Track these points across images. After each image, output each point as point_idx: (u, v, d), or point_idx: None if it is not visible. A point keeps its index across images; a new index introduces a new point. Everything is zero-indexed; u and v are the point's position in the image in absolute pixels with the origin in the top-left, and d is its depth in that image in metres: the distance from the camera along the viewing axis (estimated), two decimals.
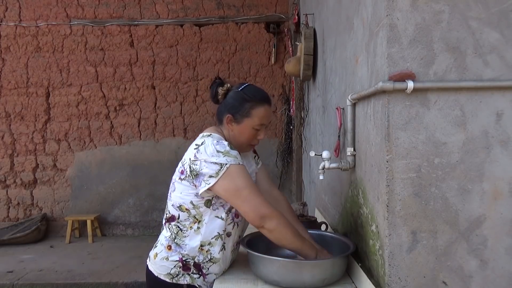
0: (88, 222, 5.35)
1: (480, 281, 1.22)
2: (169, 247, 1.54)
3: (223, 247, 1.55)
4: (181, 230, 1.53)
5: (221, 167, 1.42)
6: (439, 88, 1.19)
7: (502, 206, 1.21)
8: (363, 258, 1.51)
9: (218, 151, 1.44)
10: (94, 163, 5.67)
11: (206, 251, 1.52)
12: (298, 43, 3.24)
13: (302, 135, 4.00)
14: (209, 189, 1.45)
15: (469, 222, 1.21)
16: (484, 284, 1.22)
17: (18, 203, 5.70)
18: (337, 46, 2.03)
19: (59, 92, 5.61)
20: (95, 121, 5.64)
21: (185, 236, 1.53)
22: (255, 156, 1.78)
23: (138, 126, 5.62)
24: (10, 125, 5.64)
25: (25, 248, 5.13)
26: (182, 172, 1.51)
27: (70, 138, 5.66)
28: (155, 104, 5.62)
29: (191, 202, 1.50)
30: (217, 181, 1.43)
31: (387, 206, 1.22)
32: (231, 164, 1.43)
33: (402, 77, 1.18)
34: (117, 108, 5.62)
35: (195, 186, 1.47)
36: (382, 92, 1.22)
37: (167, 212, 1.58)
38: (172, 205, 1.55)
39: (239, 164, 1.45)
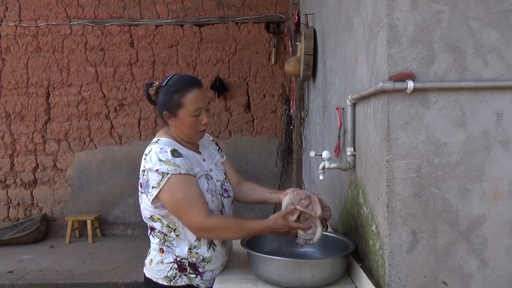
0: (88, 222, 5.34)
1: (480, 281, 1.22)
2: (162, 250, 1.55)
3: (211, 245, 1.55)
4: (165, 234, 1.54)
5: (162, 177, 1.44)
6: (439, 88, 1.19)
7: (502, 206, 1.21)
8: (363, 258, 1.51)
9: (160, 160, 1.45)
10: (94, 163, 5.66)
11: (196, 253, 1.53)
12: (298, 43, 3.24)
13: (302, 135, 4.00)
14: (157, 199, 1.47)
15: (469, 222, 1.21)
16: (484, 284, 1.22)
17: (18, 203, 5.69)
18: (337, 46, 2.03)
19: (59, 92, 5.60)
20: (95, 121, 5.63)
21: (171, 241, 1.54)
22: (218, 149, 1.81)
23: (138, 126, 5.62)
24: (10, 125, 5.63)
25: (25, 248, 5.12)
26: (140, 185, 1.53)
27: (70, 138, 5.65)
28: None
29: (157, 213, 1.52)
30: (159, 192, 1.45)
31: (387, 206, 1.22)
32: (172, 174, 1.44)
33: (402, 77, 1.18)
34: (117, 108, 5.62)
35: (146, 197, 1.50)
36: (382, 92, 1.22)
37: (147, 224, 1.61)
38: (144, 217, 1.57)
39: (181, 173, 1.45)
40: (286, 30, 5.34)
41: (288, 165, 5.48)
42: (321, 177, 1.63)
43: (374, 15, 1.31)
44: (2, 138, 5.64)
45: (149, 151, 1.50)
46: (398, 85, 1.17)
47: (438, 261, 1.22)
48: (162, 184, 1.44)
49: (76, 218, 5.46)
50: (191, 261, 1.53)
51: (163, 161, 1.45)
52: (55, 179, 5.69)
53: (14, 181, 5.68)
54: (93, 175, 5.66)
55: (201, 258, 1.53)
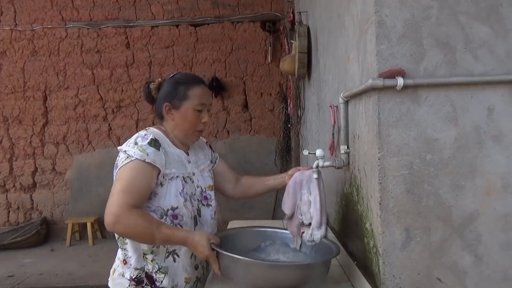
0: (88, 225, 5.35)
1: (475, 277, 1.21)
2: (125, 261, 1.47)
3: (171, 254, 1.45)
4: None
5: (126, 158, 1.37)
6: (429, 84, 1.18)
7: (495, 201, 1.20)
8: (358, 256, 1.51)
9: (135, 143, 1.39)
10: (93, 165, 5.66)
11: (152, 261, 1.43)
12: (293, 41, 3.23)
13: (300, 133, 4.00)
14: None
15: (462, 218, 1.21)
16: (478, 279, 1.21)
17: (18, 207, 5.69)
18: (330, 44, 2.02)
19: (56, 95, 5.60)
20: (93, 123, 5.63)
21: (125, 243, 1.45)
22: (211, 153, 1.72)
23: (136, 127, 5.61)
24: (8, 129, 5.64)
25: (25, 252, 5.13)
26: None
27: (68, 141, 5.66)
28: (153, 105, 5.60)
29: None
30: (117, 172, 1.38)
31: (380, 203, 1.21)
32: (136, 158, 1.35)
33: (392, 74, 1.17)
34: (115, 110, 5.62)
35: None
36: (373, 89, 1.21)
37: None
38: None
39: (145, 161, 1.36)
40: (282, 28, 5.33)
41: (287, 164, 5.48)
42: (315, 176, 1.62)
43: (363, 12, 1.31)
44: (1, 142, 5.64)
45: (134, 136, 1.45)
46: (388, 82, 1.17)
47: (432, 258, 1.22)
48: (124, 163, 1.37)
49: (76, 220, 5.46)
50: (147, 270, 1.44)
51: (137, 145, 1.38)
52: (54, 182, 5.69)
53: (14, 185, 5.69)
54: (92, 177, 5.66)
55: (157, 268, 1.43)
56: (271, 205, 5.36)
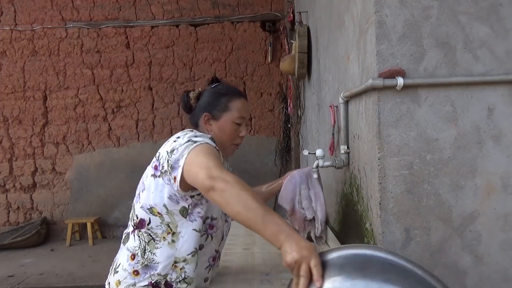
0: (88, 225, 5.35)
1: (475, 277, 1.21)
2: (136, 272, 1.34)
3: (197, 264, 1.37)
4: (153, 239, 1.33)
5: (193, 143, 1.26)
6: (429, 84, 1.18)
7: (495, 201, 1.20)
8: None
9: (196, 136, 1.30)
10: (93, 165, 5.67)
11: (181, 269, 1.34)
12: (293, 41, 3.23)
13: (300, 133, 3.99)
14: (182, 175, 1.23)
15: (462, 218, 1.21)
16: (478, 280, 1.21)
17: (18, 207, 5.70)
18: (330, 44, 2.02)
19: (56, 95, 5.61)
20: (93, 123, 5.63)
21: (157, 248, 1.33)
22: (228, 165, 1.65)
23: (136, 127, 5.62)
24: (8, 129, 5.64)
25: (25, 252, 5.13)
26: (156, 168, 1.32)
27: (68, 141, 5.66)
28: (153, 105, 5.61)
29: (165, 206, 1.31)
30: (187, 157, 1.22)
31: (380, 203, 1.21)
32: (206, 142, 1.27)
33: (392, 74, 1.17)
34: (115, 110, 5.62)
35: (174, 179, 1.26)
36: (373, 89, 1.21)
37: (134, 218, 1.37)
38: (141, 207, 1.35)
39: (215, 147, 1.28)
40: (282, 28, 5.33)
41: (287, 164, 5.48)
42: (315, 176, 1.63)
43: (364, 12, 1.31)
44: (1, 142, 5.65)
45: (184, 134, 1.34)
46: (388, 82, 1.17)
47: (432, 258, 1.22)
48: (191, 147, 1.24)
49: (76, 221, 5.47)
50: (169, 279, 1.34)
51: (198, 137, 1.30)
52: (54, 183, 5.69)
53: (14, 185, 5.69)
54: (92, 178, 5.67)
55: (183, 277, 1.34)
56: (271, 205, 5.35)
